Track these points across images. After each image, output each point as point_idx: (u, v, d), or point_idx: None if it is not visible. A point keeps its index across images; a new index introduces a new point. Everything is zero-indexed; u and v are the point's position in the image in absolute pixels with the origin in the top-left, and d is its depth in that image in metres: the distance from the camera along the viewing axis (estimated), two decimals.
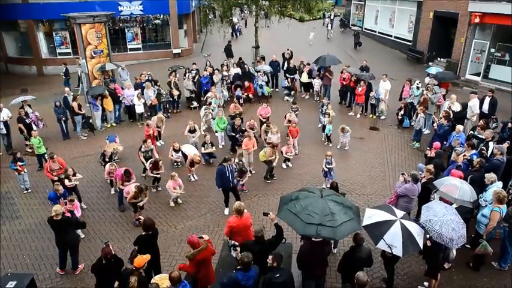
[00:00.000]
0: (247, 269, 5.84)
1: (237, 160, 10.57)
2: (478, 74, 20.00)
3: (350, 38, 29.22)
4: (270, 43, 25.20)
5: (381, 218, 6.55)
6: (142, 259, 6.20)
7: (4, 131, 13.42)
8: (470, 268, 7.85)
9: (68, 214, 8.18)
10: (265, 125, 12.83)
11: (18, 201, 10.88)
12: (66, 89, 15.47)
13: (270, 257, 5.95)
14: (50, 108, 14.57)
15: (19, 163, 10.94)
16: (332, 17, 35.42)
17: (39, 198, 10.93)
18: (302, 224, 6.00)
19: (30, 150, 13.05)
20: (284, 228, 6.78)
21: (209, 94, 15.76)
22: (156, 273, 7.15)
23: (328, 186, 10.46)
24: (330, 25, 33.04)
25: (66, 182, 9.84)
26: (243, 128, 12.71)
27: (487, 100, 13.15)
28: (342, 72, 16.95)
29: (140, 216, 9.29)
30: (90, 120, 15.16)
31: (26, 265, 8.44)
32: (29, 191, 11.32)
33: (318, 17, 39.09)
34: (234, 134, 12.57)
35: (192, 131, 12.67)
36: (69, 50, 25.11)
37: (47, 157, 11.40)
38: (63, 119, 14.50)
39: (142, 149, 11.28)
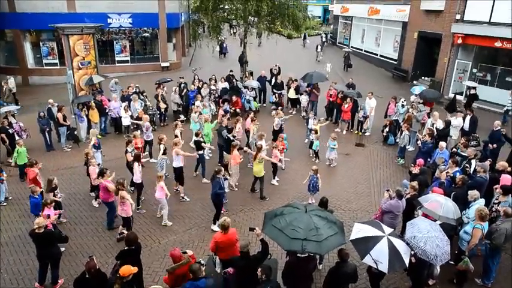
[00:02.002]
0: (196, 278, 5.87)
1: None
2: (461, 93, 20.49)
3: (339, 58, 29.46)
4: (259, 59, 25.45)
5: (368, 233, 6.54)
6: (129, 269, 6.05)
7: None
8: (454, 284, 7.87)
9: (51, 227, 8.00)
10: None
11: None
12: (50, 100, 15.29)
13: (259, 269, 5.94)
14: (35, 118, 14.36)
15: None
16: (323, 39, 34.81)
17: (19, 210, 10.65)
18: (287, 239, 6.00)
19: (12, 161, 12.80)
20: (269, 243, 6.73)
21: (198, 104, 15.50)
22: None
23: (314, 201, 10.55)
24: (320, 47, 31.81)
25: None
26: (230, 127, 13.09)
27: (468, 118, 13.59)
28: (329, 89, 17.19)
29: (123, 230, 9.13)
30: (75, 132, 14.97)
31: (3, 280, 8.15)
32: (10, 198, 11.12)
33: (314, 33, 39.23)
34: (228, 135, 12.58)
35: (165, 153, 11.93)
36: (56, 61, 24.94)
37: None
38: (47, 129, 14.29)
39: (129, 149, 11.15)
